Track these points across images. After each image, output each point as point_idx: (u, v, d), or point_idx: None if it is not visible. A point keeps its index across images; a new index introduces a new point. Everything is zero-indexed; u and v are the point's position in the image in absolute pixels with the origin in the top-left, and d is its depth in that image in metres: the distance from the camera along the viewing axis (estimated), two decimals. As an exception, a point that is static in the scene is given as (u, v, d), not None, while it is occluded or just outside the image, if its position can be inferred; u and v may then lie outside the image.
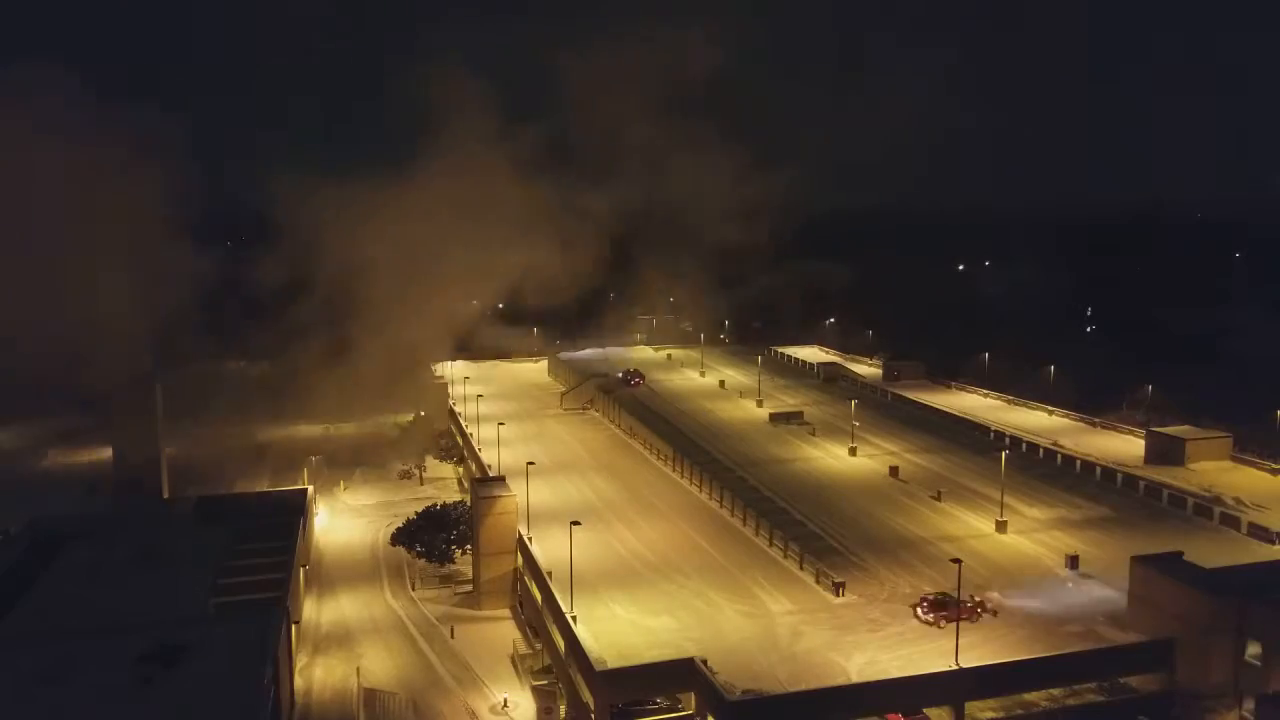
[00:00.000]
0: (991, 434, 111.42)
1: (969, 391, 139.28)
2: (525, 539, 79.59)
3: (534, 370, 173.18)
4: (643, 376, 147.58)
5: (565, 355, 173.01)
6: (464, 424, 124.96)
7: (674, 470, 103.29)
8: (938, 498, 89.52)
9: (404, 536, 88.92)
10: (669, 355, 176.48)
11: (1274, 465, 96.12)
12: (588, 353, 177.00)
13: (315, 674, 71.38)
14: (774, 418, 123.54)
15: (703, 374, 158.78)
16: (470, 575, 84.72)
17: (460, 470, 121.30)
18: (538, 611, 72.38)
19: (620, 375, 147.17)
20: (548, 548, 76.41)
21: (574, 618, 63.71)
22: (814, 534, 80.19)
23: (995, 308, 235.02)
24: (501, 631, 77.04)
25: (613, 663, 57.70)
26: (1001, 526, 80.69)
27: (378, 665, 71.67)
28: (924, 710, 55.61)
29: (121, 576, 72.72)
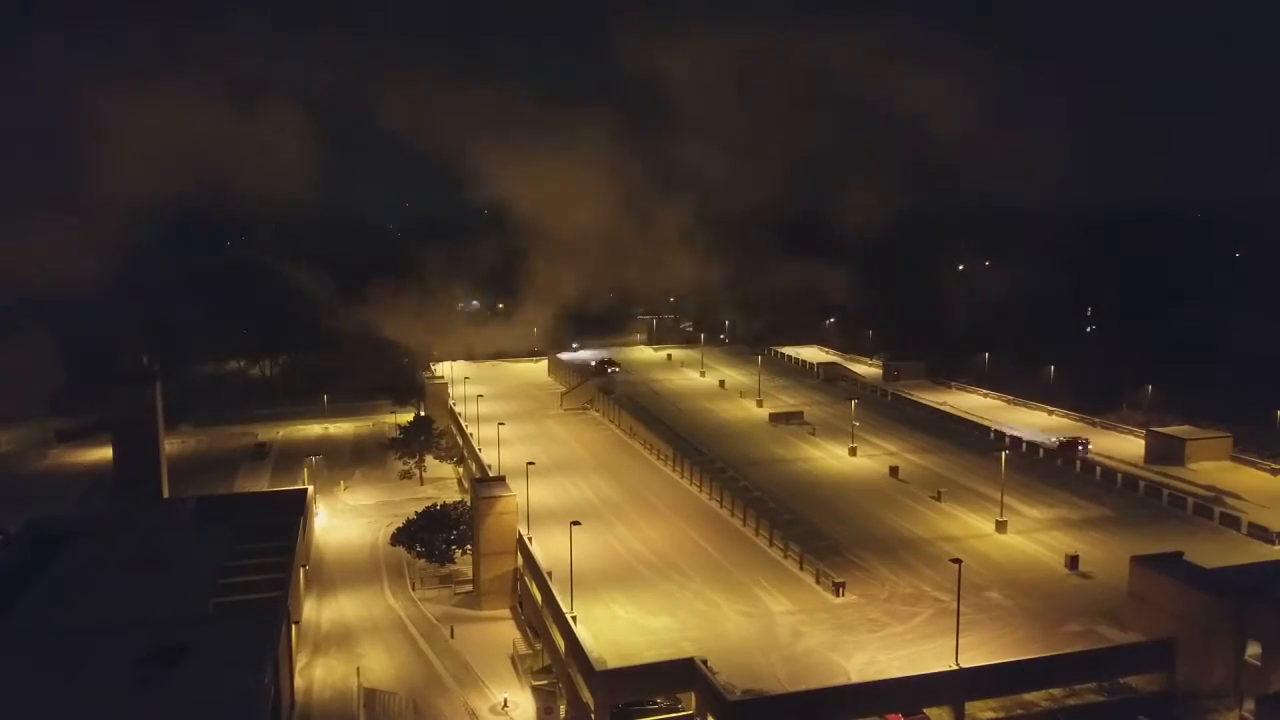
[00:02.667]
0: (992, 434, 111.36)
1: (969, 391, 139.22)
2: (525, 539, 79.59)
3: (534, 370, 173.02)
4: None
5: (566, 356, 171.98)
6: (464, 424, 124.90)
7: (674, 470, 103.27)
8: (938, 498, 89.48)
9: (404, 536, 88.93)
10: (669, 355, 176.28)
11: (1274, 465, 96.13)
12: (583, 354, 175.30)
13: (315, 674, 71.44)
14: (774, 418, 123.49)
15: (703, 374, 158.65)
16: (470, 575, 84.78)
17: (460, 470, 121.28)
18: (538, 611, 72.37)
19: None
20: (548, 548, 76.39)
21: (574, 618, 63.71)
22: (814, 534, 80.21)
23: (995, 308, 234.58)
24: (501, 631, 77.06)
25: (613, 663, 57.70)
26: (1001, 526, 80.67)
27: (378, 665, 71.72)
28: (924, 710, 55.62)
29: (121, 576, 72.69)
